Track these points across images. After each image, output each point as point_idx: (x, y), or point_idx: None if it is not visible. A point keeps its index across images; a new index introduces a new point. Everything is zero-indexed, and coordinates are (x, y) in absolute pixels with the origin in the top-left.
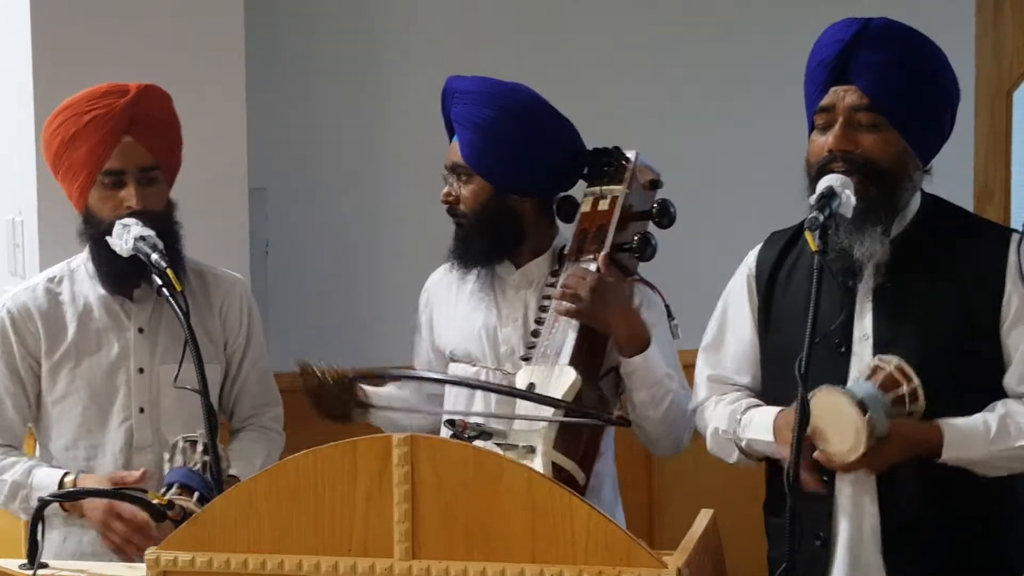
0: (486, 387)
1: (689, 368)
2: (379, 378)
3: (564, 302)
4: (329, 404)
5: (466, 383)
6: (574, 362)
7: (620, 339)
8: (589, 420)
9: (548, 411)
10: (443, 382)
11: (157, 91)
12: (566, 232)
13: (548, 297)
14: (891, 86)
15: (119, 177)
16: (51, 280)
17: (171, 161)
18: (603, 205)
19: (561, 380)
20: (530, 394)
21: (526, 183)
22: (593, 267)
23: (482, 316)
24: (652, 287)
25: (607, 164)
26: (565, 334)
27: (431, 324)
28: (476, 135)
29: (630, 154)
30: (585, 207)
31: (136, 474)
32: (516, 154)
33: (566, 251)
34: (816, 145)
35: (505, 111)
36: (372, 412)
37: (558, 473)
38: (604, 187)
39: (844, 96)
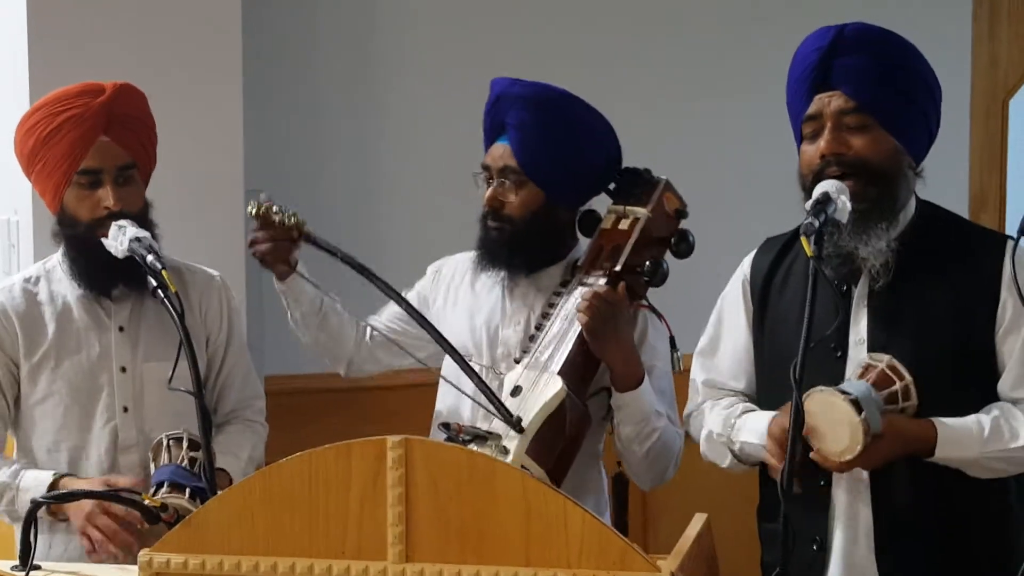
0: (443, 345)
1: (685, 373)
2: (330, 253)
3: (582, 313)
4: (268, 242)
5: (418, 318)
6: (564, 373)
7: (615, 373)
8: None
9: (530, 412)
10: (394, 298)
11: (133, 90)
12: (583, 244)
13: (553, 305)
14: (875, 87)
15: (96, 177)
16: (27, 280)
17: (147, 160)
18: (623, 225)
19: (547, 388)
20: (489, 391)
21: (578, 194)
22: (602, 282)
23: (486, 313)
24: (659, 315)
25: (635, 184)
26: (562, 344)
27: (427, 301)
28: (539, 143)
29: (660, 178)
30: (606, 224)
31: (125, 479)
32: (575, 165)
33: (579, 263)
34: (807, 155)
35: (570, 121)
36: (293, 279)
37: None
38: (628, 207)
39: (829, 102)
